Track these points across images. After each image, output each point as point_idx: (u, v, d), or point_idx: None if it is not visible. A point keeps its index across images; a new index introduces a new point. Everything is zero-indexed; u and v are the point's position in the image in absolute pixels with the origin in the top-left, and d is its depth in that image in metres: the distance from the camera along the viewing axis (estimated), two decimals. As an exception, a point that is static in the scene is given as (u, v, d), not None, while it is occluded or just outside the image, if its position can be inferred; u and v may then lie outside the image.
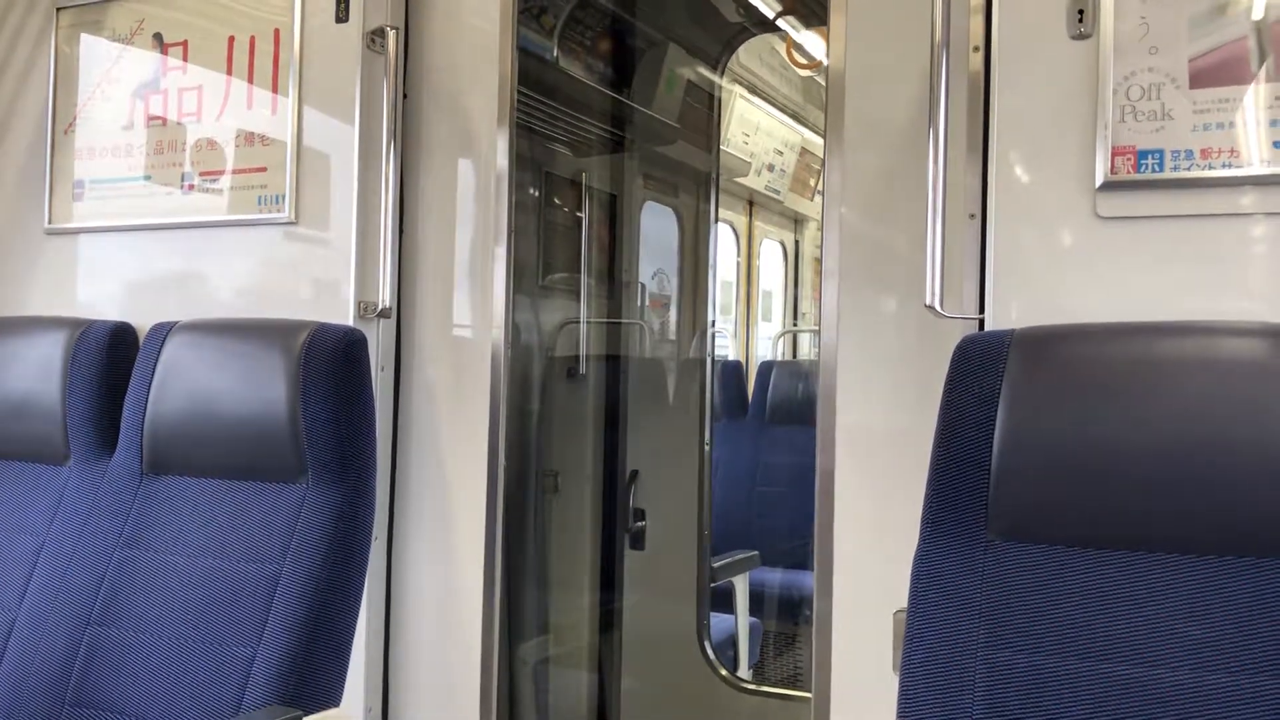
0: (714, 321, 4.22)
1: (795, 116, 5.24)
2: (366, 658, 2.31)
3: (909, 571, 1.61)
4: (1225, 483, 1.45)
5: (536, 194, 3.27)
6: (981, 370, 1.59)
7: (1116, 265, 1.69)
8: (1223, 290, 1.63)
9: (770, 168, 5.24)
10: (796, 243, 5.89)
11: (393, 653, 2.40)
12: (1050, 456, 1.53)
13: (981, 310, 1.80)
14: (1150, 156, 1.66)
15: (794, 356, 5.87)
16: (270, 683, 1.77)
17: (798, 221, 5.87)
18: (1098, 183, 1.69)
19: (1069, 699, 1.44)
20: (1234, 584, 1.43)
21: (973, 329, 1.79)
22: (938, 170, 1.75)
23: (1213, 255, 1.64)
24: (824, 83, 4.98)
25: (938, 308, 1.75)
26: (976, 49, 1.87)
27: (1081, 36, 1.71)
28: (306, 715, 1.76)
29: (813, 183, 5.69)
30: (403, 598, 2.40)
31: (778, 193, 5.46)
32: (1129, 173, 1.67)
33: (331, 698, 1.84)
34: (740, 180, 4.99)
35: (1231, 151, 1.61)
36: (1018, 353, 1.59)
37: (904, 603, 1.61)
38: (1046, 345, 1.60)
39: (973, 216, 1.87)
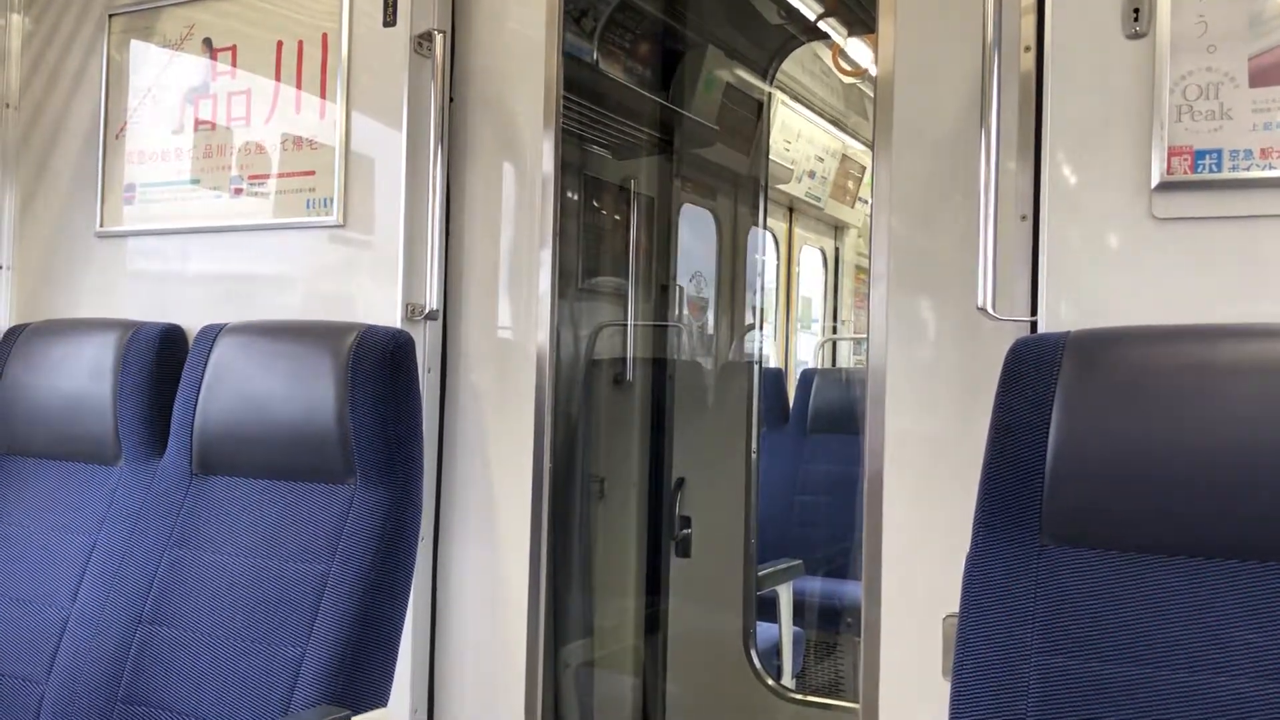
0: (760, 327, 4.21)
1: (836, 123, 5.22)
2: (413, 658, 2.31)
3: (959, 576, 1.60)
4: (1285, 487, 1.42)
5: (576, 197, 3.28)
6: (1035, 373, 1.57)
7: (1172, 267, 1.67)
8: (1283, 292, 1.61)
9: (811, 174, 5.22)
10: (837, 250, 5.87)
11: (438, 653, 2.40)
12: (1106, 460, 1.51)
13: (1033, 313, 1.78)
14: (1208, 156, 1.63)
15: (834, 364, 5.85)
16: (319, 682, 1.78)
17: (838, 228, 5.85)
18: (1153, 183, 1.67)
19: (1125, 706, 1.42)
20: (1297, 590, 1.40)
21: (1024, 332, 1.77)
22: (989, 171, 1.74)
23: (1272, 257, 1.61)
24: (866, 89, 4.97)
25: (990, 310, 1.74)
26: (1028, 49, 1.86)
27: (1137, 35, 1.69)
28: (355, 715, 1.76)
29: (853, 189, 5.67)
30: (448, 599, 2.40)
31: (818, 199, 5.45)
32: (1186, 173, 1.64)
33: (379, 697, 1.84)
34: (781, 187, 4.98)
35: (1292, 151, 1.59)
36: (1072, 356, 1.57)
37: (954, 608, 1.60)
38: (1101, 348, 1.57)
39: (1024, 218, 1.85)
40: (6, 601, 2.18)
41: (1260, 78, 1.60)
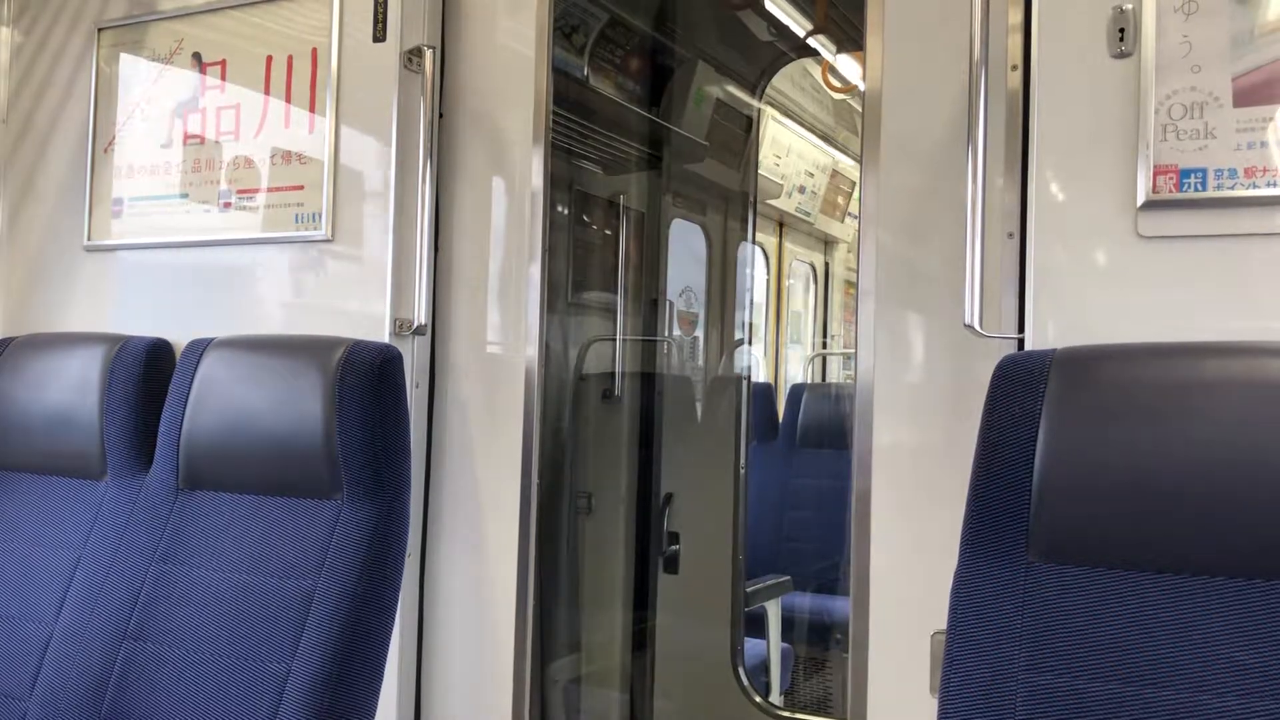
0: (750, 342, 4.22)
1: (826, 138, 5.24)
2: (399, 674, 2.30)
3: (947, 593, 1.60)
4: (1271, 504, 1.42)
5: (566, 212, 3.28)
6: (1022, 391, 1.58)
7: (1158, 285, 1.67)
8: (1267, 310, 1.61)
9: (801, 189, 5.23)
10: (826, 264, 5.88)
11: (425, 670, 2.39)
12: (1092, 477, 1.52)
13: (1020, 330, 1.79)
14: (1193, 175, 1.64)
15: (823, 379, 5.86)
16: (304, 699, 1.77)
17: (827, 243, 5.87)
18: (1139, 202, 1.67)
19: (1112, 724, 1.42)
20: (1283, 608, 1.41)
21: (1011, 349, 1.78)
22: (976, 189, 1.74)
23: (1257, 275, 1.62)
24: (856, 105, 4.99)
25: (977, 327, 1.74)
26: (1015, 68, 1.87)
27: (1122, 55, 1.70)
28: (340, 732, 1.76)
29: (843, 204, 5.68)
30: (435, 615, 2.39)
31: (808, 214, 5.46)
32: (1171, 192, 1.65)
33: (365, 714, 1.84)
34: (771, 202, 4.99)
35: (1277, 170, 1.59)
36: (1059, 373, 1.57)
37: (942, 624, 1.60)
38: (1088, 365, 1.58)
39: (1011, 236, 1.86)
40: (-10, 617, 2.17)
41: (1244, 97, 1.61)
